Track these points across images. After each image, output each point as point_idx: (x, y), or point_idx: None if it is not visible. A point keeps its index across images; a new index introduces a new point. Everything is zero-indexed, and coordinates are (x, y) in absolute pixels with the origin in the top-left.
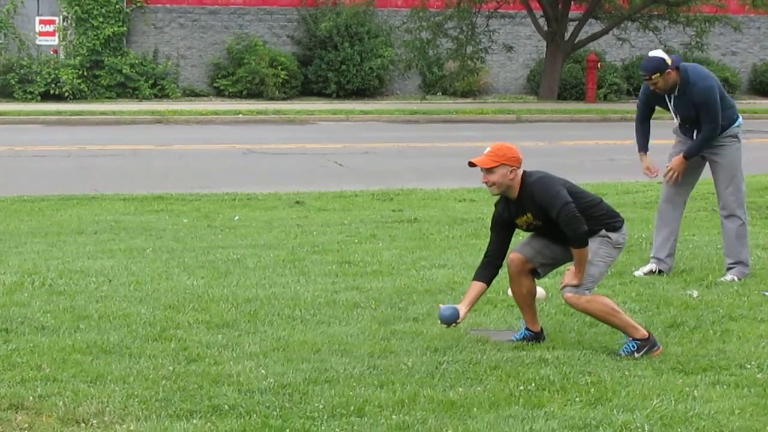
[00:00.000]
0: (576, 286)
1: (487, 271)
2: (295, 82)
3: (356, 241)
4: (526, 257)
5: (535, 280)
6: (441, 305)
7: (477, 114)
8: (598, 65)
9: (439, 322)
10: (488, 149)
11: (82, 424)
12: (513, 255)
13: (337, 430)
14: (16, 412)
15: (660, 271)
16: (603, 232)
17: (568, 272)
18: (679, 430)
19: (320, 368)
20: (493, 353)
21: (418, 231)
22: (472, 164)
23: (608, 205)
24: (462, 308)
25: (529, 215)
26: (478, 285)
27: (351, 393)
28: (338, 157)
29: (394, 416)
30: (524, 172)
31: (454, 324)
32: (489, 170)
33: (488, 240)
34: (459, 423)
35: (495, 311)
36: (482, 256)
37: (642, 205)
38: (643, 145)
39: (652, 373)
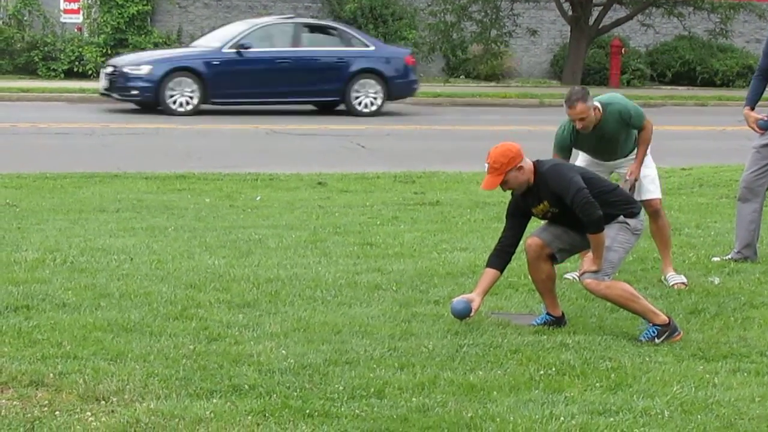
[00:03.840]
0: (595, 272)
1: (500, 259)
2: None
3: (378, 222)
4: (544, 242)
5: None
6: (453, 299)
7: (500, 98)
8: (622, 51)
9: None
10: (487, 166)
11: (102, 402)
12: (531, 240)
13: (357, 411)
14: (37, 389)
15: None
16: (621, 218)
17: (586, 259)
18: (699, 416)
19: (341, 349)
20: (514, 337)
21: (440, 214)
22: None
23: (624, 191)
24: (475, 297)
25: (545, 203)
26: (492, 272)
27: (371, 375)
28: (361, 138)
29: (414, 398)
30: (537, 161)
31: (467, 317)
32: (502, 184)
33: (504, 228)
34: (479, 406)
35: (516, 295)
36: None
37: (664, 190)
38: (751, 100)
39: (673, 359)
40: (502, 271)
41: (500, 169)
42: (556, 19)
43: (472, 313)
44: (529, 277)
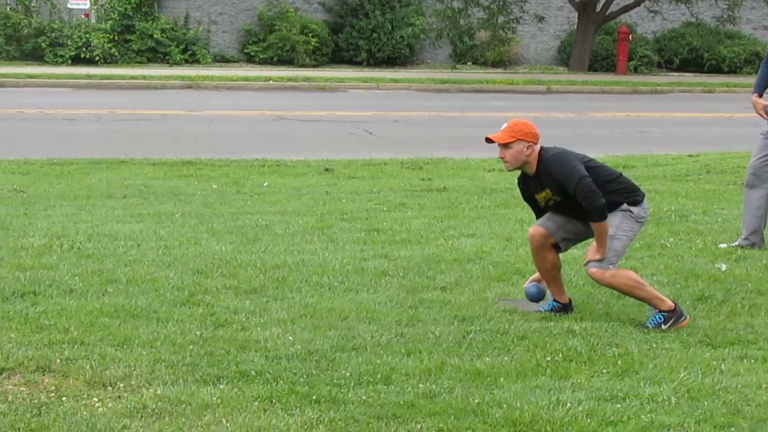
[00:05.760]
0: (599, 261)
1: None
2: (326, 49)
3: (385, 209)
4: (548, 231)
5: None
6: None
7: (507, 84)
8: (630, 37)
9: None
10: (505, 125)
11: (109, 388)
12: (534, 229)
13: (363, 397)
14: (44, 375)
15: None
16: (624, 206)
17: (590, 248)
18: (705, 403)
19: (347, 335)
20: (521, 323)
21: (447, 200)
22: (489, 140)
23: (628, 179)
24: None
25: (548, 191)
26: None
27: (378, 361)
28: (368, 125)
29: (420, 384)
30: (542, 147)
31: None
32: (505, 145)
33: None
34: (486, 392)
35: (523, 281)
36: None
37: (671, 177)
38: (759, 87)
39: (680, 345)
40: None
41: (514, 133)
42: (563, 5)
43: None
44: (535, 264)
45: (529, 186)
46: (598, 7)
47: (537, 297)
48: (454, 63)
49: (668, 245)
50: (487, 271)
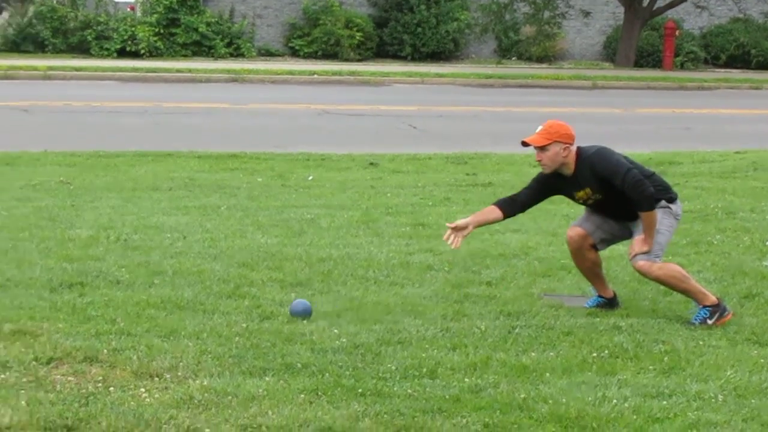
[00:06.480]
0: (646, 254)
1: (510, 207)
2: (371, 43)
3: (430, 203)
4: (587, 231)
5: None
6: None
7: (552, 79)
8: (676, 33)
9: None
10: (540, 127)
11: (156, 378)
12: (573, 231)
13: (409, 391)
14: (91, 365)
15: None
16: (663, 202)
17: (636, 240)
18: (753, 401)
19: (393, 329)
20: (567, 319)
21: (492, 195)
22: (525, 144)
23: (661, 178)
24: (470, 222)
25: (587, 189)
26: (496, 211)
27: (423, 355)
28: (412, 119)
29: (466, 379)
30: (579, 147)
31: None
32: (542, 148)
33: (525, 187)
34: (531, 387)
35: (569, 277)
36: (523, 212)
37: (718, 174)
38: None
39: (727, 343)
40: (505, 217)
41: (550, 135)
42: (609, 0)
43: (451, 226)
44: (576, 265)
45: (565, 185)
46: (645, 3)
47: (303, 314)
48: (498, 58)
49: (715, 242)
50: (533, 267)
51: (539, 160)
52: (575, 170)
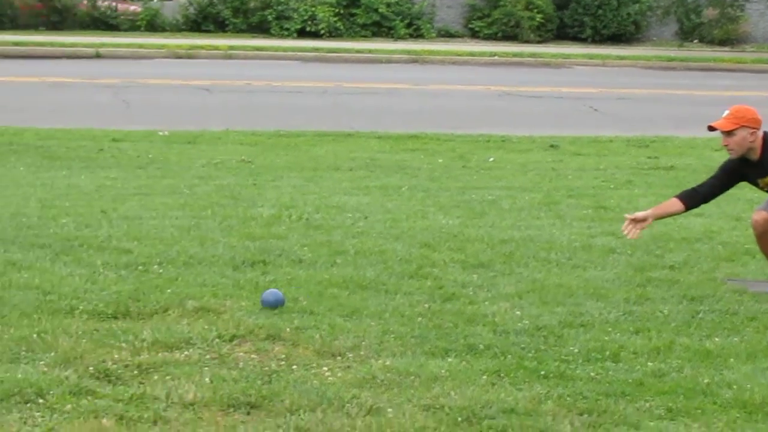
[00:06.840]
0: None
1: (691, 199)
2: (551, 25)
3: (612, 186)
4: None
5: None
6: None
7: (735, 63)
8: None
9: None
10: (727, 112)
11: (338, 358)
12: (758, 215)
13: (592, 374)
14: (274, 343)
15: None
16: None
17: None
18: None
19: (575, 312)
20: (751, 304)
21: (674, 179)
22: (711, 128)
23: None
24: (649, 214)
25: None
26: (678, 203)
27: (606, 338)
28: (593, 102)
29: (649, 363)
30: (765, 132)
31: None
32: (728, 133)
33: (710, 177)
34: (715, 373)
35: (753, 262)
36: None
37: None
38: None
39: None
40: (687, 209)
41: (737, 120)
42: None
43: (629, 217)
44: (761, 250)
45: (750, 171)
46: None
47: (275, 304)
48: (680, 41)
49: None
50: (716, 251)
51: (726, 145)
52: (761, 155)
